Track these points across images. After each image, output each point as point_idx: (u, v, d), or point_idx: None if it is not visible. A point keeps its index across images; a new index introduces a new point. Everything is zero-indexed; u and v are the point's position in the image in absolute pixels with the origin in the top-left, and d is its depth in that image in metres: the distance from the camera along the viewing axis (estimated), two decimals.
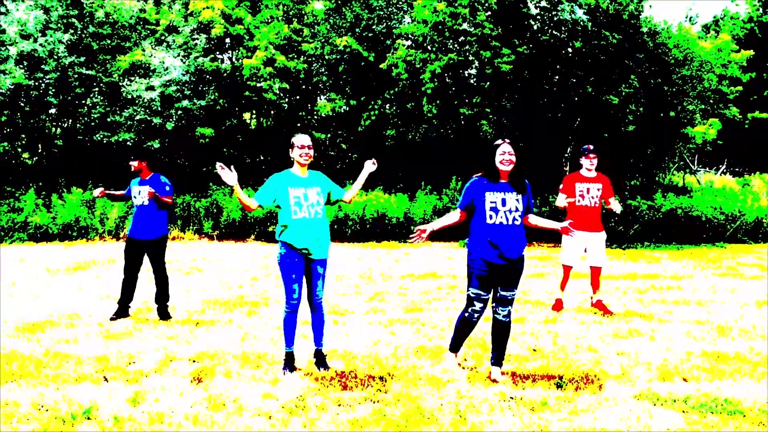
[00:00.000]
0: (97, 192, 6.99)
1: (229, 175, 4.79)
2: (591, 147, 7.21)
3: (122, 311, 6.89)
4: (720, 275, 9.80)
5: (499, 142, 4.75)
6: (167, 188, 6.96)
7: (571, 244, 7.23)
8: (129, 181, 7.10)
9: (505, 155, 4.65)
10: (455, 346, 5.19)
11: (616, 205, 7.02)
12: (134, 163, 6.83)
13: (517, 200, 4.68)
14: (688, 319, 6.82)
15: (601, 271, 7.28)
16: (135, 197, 6.88)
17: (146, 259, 6.94)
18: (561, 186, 7.27)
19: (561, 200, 7.10)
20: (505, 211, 4.63)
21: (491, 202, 4.64)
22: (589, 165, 7.18)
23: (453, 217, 4.86)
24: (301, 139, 4.94)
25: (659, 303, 7.66)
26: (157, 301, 6.91)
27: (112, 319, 6.77)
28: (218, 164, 4.80)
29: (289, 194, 4.87)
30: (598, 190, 7.13)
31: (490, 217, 4.64)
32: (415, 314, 7.04)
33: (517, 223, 4.67)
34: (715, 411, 4.19)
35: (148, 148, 15.13)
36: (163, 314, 6.86)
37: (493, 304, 4.84)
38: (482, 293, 4.76)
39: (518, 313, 7.01)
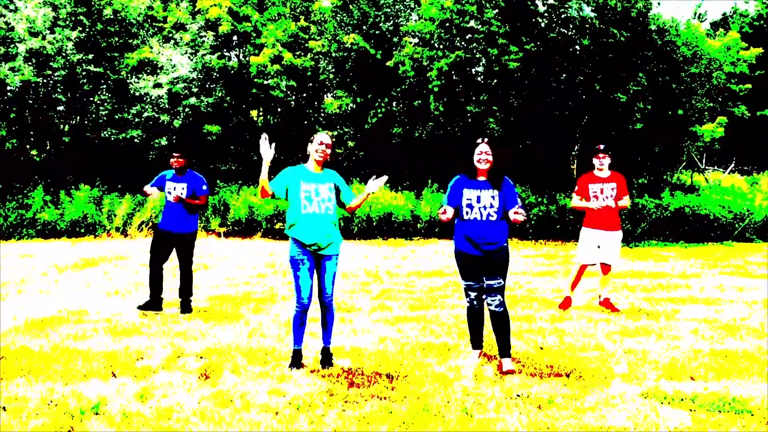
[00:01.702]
0: (153, 192, 6.85)
1: (267, 150, 4.82)
2: (601, 147, 7.17)
3: (154, 303, 6.93)
4: (728, 274, 9.75)
5: (478, 141, 5.00)
6: (204, 187, 7.04)
7: (586, 242, 7.20)
8: (157, 173, 7.09)
9: (482, 155, 4.90)
10: (474, 342, 5.32)
11: (622, 202, 7.07)
12: (179, 160, 6.86)
13: (493, 197, 4.88)
14: (695, 317, 6.79)
15: (610, 269, 7.25)
16: (169, 192, 6.86)
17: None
18: (576, 188, 7.24)
19: (575, 201, 7.18)
20: (479, 208, 4.86)
21: (467, 199, 4.90)
22: (599, 165, 7.15)
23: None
24: (321, 137, 4.98)
25: (667, 301, 7.63)
26: (181, 296, 6.98)
27: (140, 308, 6.86)
28: (263, 135, 4.84)
29: (301, 188, 4.86)
30: (612, 189, 7.07)
31: (466, 213, 4.91)
32: (422, 312, 7.04)
33: (492, 219, 4.86)
34: (723, 410, 4.17)
35: (190, 143, 15.20)
36: (186, 308, 6.95)
37: (485, 296, 5.00)
38: (471, 283, 5.04)
39: (525, 311, 7.01)
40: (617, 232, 7.17)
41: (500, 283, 4.91)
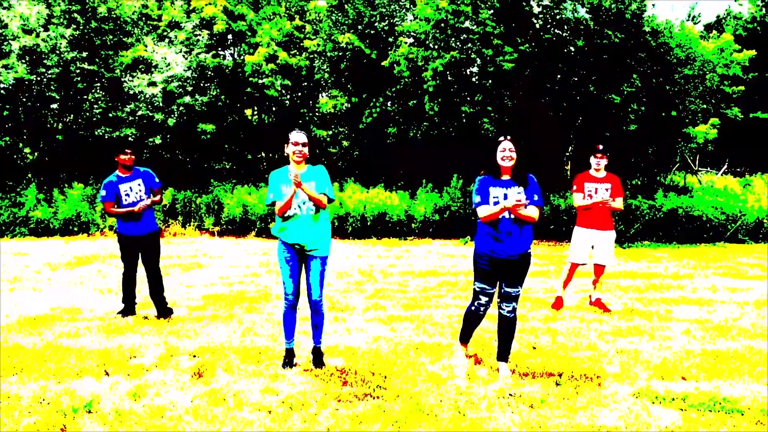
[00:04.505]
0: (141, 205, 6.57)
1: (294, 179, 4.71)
2: (600, 147, 7.20)
3: (129, 309, 6.81)
4: (720, 275, 9.80)
5: (500, 138, 4.81)
6: (156, 179, 6.85)
7: (579, 241, 7.23)
8: (103, 183, 6.67)
9: (505, 152, 4.71)
10: (464, 338, 5.28)
11: (616, 203, 7.07)
12: (131, 156, 6.59)
13: (519, 193, 4.68)
14: (687, 318, 6.83)
15: (604, 270, 7.29)
16: (126, 195, 6.56)
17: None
18: (574, 187, 7.26)
19: (578, 199, 7.16)
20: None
21: (494, 197, 4.69)
22: (596, 165, 7.17)
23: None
24: (295, 136, 4.82)
25: (659, 302, 7.67)
26: (154, 299, 6.79)
27: (119, 313, 6.75)
28: (292, 173, 4.66)
29: (282, 191, 4.84)
30: (607, 189, 7.11)
31: None
32: (415, 311, 7.05)
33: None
34: (714, 409, 4.20)
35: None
36: (163, 312, 6.76)
37: (498, 300, 4.88)
38: (486, 287, 4.85)
39: (518, 311, 7.02)
40: (611, 232, 7.21)
41: (518, 291, 4.82)
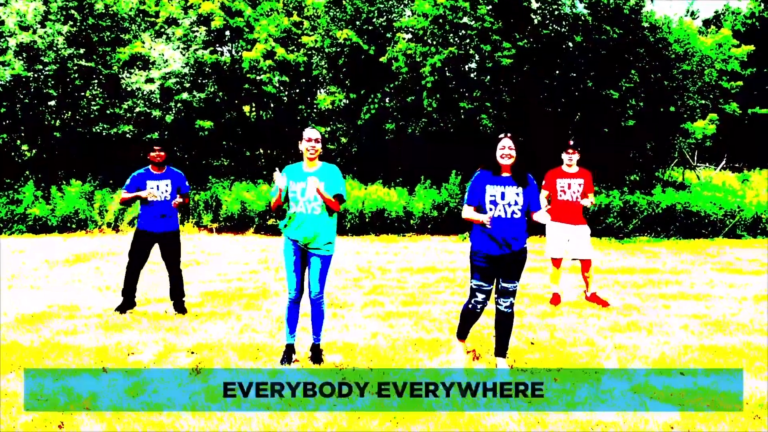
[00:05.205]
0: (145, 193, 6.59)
1: (281, 179, 4.80)
2: (571, 143, 7.31)
3: (127, 303, 6.81)
4: (718, 270, 9.81)
5: (501, 136, 4.79)
6: (186, 183, 6.94)
7: (554, 236, 7.34)
8: (131, 175, 6.76)
9: (505, 149, 4.68)
10: (462, 334, 5.25)
11: (587, 201, 7.15)
12: (161, 153, 6.65)
13: (517, 194, 4.67)
14: (685, 313, 6.84)
15: (591, 264, 7.32)
16: (152, 191, 6.60)
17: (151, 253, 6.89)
18: (543, 182, 7.31)
19: (541, 197, 7.25)
20: (504, 205, 4.65)
21: (491, 196, 4.67)
22: (568, 161, 7.27)
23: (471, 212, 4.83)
24: (309, 132, 4.88)
25: (657, 297, 7.67)
26: (173, 298, 6.83)
27: (117, 310, 6.74)
28: (276, 172, 4.80)
29: (290, 188, 4.88)
30: (580, 185, 7.21)
31: (490, 209, 4.67)
32: (414, 308, 7.05)
33: (516, 216, 4.65)
34: (712, 405, 4.20)
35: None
36: (180, 309, 6.79)
37: (495, 296, 4.87)
38: (483, 285, 4.82)
39: (516, 307, 7.01)
40: (584, 226, 7.29)
41: (515, 286, 4.81)
